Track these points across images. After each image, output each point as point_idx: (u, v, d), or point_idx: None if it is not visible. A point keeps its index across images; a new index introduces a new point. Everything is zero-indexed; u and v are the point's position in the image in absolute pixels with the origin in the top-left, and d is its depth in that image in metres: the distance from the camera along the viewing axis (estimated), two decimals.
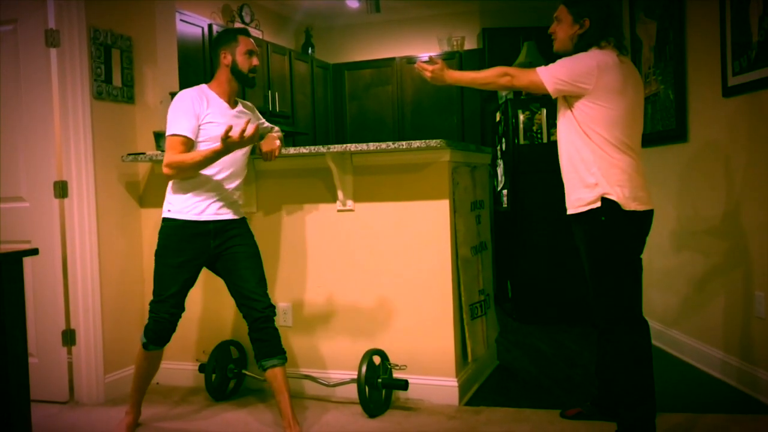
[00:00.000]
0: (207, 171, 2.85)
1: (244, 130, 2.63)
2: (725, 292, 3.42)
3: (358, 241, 3.35)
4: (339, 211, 3.37)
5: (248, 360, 3.51)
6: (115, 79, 3.56)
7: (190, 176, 2.83)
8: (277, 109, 6.31)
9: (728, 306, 3.39)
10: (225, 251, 2.92)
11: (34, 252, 2.38)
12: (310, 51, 7.25)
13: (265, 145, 2.98)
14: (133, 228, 3.69)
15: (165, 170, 2.80)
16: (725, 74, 3.32)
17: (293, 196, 3.46)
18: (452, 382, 3.23)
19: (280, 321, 3.48)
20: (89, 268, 3.41)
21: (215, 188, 2.88)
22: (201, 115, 2.83)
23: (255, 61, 2.97)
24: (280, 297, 3.50)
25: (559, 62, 2.65)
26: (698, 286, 3.69)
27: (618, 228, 2.57)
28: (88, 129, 3.40)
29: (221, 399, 3.41)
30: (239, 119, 2.93)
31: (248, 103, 3.15)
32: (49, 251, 3.35)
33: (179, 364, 3.68)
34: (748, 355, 3.23)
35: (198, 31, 5.25)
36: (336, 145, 3.16)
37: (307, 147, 3.22)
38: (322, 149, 3.18)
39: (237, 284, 2.90)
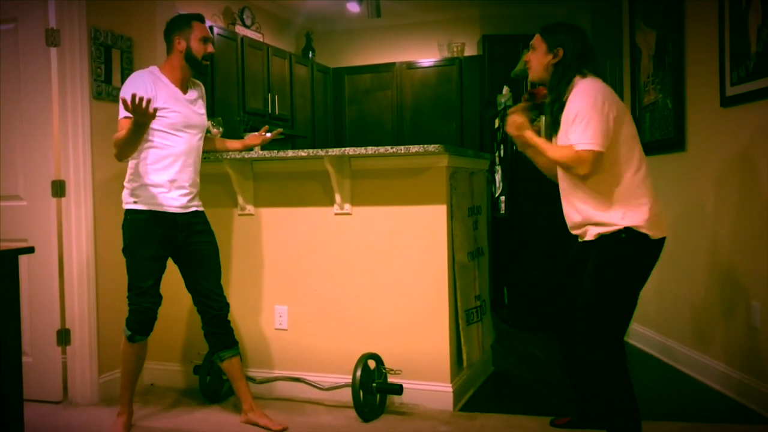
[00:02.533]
0: (166, 159, 2.89)
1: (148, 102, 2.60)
2: (722, 302, 3.42)
3: (355, 245, 3.35)
4: (336, 214, 3.37)
5: (242, 362, 3.50)
6: (114, 79, 3.56)
7: (130, 153, 2.82)
8: (277, 112, 6.32)
9: (724, 316, 3.40)
10: (189, 246, 2.99)
11: (30, 250, 2.38)
12: (310, 55, 7.26)
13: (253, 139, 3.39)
14: None
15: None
16: (723, 84, 3.33)
17: (291, 198, 3.46)
18: (447, 388, 3.22)
19: (275, 324, 3.48)
20: (85, 267, 3.40)
21: (176, 176, 2.91)
22: (153, 98, 2.82)
23: (210, 48, 3.00)
24: (277, 299, 3.49)
25: (582, 123, 2.43)
26: (695, 295, 3.69)
27: (638, 255, 2.49)
28: (87, 129, 3.40)
29: (215, 401, 3.40)
30: (193, 105, 3.01)
31: (198, 83, 3.15)
32: (46, 250, 3.35)
33: (174, 366, 3.67)
34: (743, 364, 3.23)
35: None
36: (334, 149, 3.16)
37: (305, 150, 3.24)
38: (320, 152, 3.19)
39: (197, 281, 3.01)
